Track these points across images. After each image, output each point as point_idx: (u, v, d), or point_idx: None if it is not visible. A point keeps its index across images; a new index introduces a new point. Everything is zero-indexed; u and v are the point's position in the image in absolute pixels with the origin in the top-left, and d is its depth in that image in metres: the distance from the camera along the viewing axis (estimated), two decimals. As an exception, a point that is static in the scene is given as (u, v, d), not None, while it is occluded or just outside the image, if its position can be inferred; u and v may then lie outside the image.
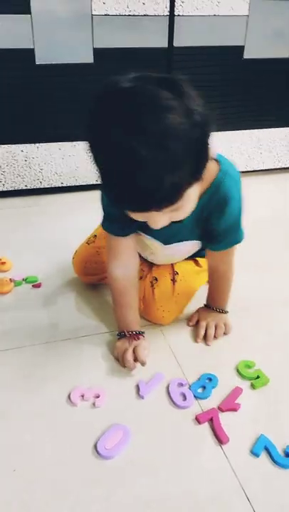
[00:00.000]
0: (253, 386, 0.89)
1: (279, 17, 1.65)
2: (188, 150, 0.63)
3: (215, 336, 1.01)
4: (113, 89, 0.63)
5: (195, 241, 0.96)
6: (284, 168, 1.96)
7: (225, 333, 1.03)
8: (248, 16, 1.61)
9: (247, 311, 1.10)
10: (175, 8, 1.53)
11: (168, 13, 1.53)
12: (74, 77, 1.53)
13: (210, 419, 0.82)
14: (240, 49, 1.66)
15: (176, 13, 1.53)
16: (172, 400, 0.86)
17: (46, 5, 1.41)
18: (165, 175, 0.61)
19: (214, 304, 1.05)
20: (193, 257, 1.08)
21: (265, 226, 1.50)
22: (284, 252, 1.37)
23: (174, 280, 1.04)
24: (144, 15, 1.51)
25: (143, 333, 0.97)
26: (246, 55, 1.68)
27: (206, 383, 0.89)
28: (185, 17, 1.55)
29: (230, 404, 0.85)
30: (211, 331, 1.01)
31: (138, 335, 0.96)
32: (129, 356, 0.91)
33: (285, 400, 0.87)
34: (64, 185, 1.72)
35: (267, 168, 1.93)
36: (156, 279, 1.05)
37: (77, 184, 1.73)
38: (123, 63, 1.54)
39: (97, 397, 0.86)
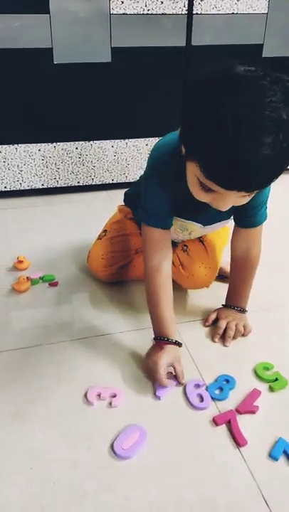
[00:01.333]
0: (271, 388, 0.88)
1: (299, 15, 1.63)
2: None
3: (233, 337, 1.00)
4: (234, 76, 0.67)
5: (230, 218, 1.01)
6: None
7: (243, 335, 1.02)
8: (267, 14, 1.59)
9: (266, 312, 1.09)
10: (193, 7, 1.52)
11: (186, 12, 1.52)
12: (92, 76, 1.53)
13: (227, 421, 0.81)
14: (260, 47, 1.65)
15: (194, 12, 1.52)
16: (189, 401, 0.85)
17: (64, 4, 1.41)
18: (275, 162, 0.67)
19: (235, 302, 1.04)
20: None
21: (280, 227, 1.48)
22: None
23: (202, 241, 1.11)
24: (162, 14, 1.50)
25: (180, 344, 0.94)
26: (265, 54, 1.66)
27: (223, 385, 0.88)
28: (203, 15, 1.54)
29: (248, 407, 0.84)
30: (231, 332, 1.00)
31: (174, 344, 0.92)
32: (164, 375, 0.87)
33: (304, 403, 0.86)
34: (80, 184, 1.72)
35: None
36: (186, 246, 1.11)
37: (94, 184, 1.73)
38: (141, 62, 1.54)
39: (114, 396, 0.85)
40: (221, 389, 0.88)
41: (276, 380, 0.90)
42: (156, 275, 0.93)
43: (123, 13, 1.47)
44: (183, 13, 1.52)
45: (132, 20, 1.49)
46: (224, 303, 1.06)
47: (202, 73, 0.70)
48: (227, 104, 0.64)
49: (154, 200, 0.91)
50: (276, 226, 1.45)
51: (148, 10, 1.49)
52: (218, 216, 0.91)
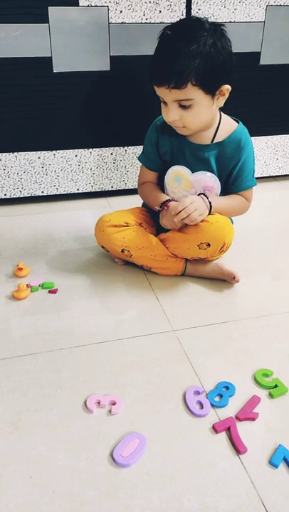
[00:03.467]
0: (270, 395, 0.88)
1: (296, 23, 1.64)
2: (202, 57, 1.00)
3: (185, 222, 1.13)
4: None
5: (215, 177, 1.20)
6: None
7: (186, 227, 1.15)
8: (264, 22, 1.61)
9: (265, 319, 1.09)
10: (191, 15, 1.53)
11: (184, 21, 1.53)
12: (91, 84, 1.54)
13: (227, 429, 0.81)
14: (257, 55, 1.66)
15: (192, 20, 1.53)
16: (189, 408, 0.85)
17: (64, 14, 1.43)
18: (180, 61, 1.00)
19: (209, 197, 1.16)
20: None
21: (284, 232, 1.48)
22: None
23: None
24: (161, 22, 1.51)
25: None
26: (263, 61, 1.67)
27: (223, 392, 0.88)
28: (201, 24, 1.55)
29: (247, 414, 0.84)
30: (183, 213, 1.11)
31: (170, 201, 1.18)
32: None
33: (303, 409, 0.86)
34: (80, 191, 1.73)
35: (283, 173, 1.92)
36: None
37: (93, 191, 1.74)
38: (140, 71, 1.55)
39: (114, 404, 0.85)
40: (221, 396, 0.88)
41: (276, 386, 0.90)
42: (142, 186, 1.31)
43: (122, 22, 1.48)
44: (181, 21, 1.53)
45: (130, 29, 1.50)
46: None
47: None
48: (166, 33, 1.04)
49: (148, 141, 1.27)
50: (282, 231, 1.46)
51: (146, 19, 1.50)
52: (201, 164, 1.19)
